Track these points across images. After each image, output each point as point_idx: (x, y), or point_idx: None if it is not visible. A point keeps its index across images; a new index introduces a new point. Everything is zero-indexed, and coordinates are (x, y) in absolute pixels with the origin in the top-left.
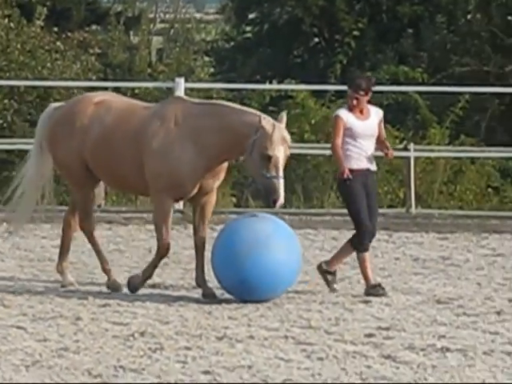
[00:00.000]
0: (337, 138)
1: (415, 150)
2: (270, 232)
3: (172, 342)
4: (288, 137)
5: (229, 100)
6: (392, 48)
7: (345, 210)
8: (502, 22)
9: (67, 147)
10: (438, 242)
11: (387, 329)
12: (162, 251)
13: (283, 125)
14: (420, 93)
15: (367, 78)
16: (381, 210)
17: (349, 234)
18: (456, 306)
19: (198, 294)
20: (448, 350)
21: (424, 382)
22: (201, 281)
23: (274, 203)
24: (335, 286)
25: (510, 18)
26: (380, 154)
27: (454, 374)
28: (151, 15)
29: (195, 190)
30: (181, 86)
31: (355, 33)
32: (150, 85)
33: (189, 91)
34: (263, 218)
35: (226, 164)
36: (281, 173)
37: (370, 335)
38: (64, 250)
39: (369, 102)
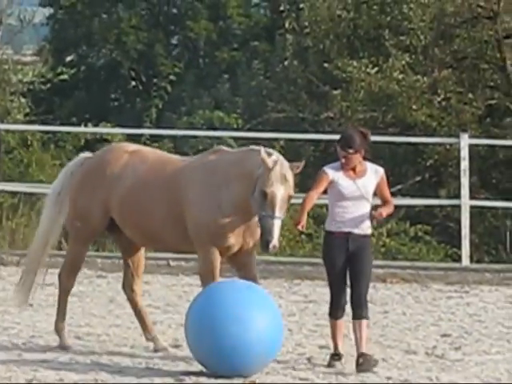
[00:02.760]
0: (313, 190)
1: None
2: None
3: None
4: (290, 176)
5: (43, 143)
6: (209, 93)
7: (156, 254)
8: (318, 70)
9: (92, 197)
10: None
11: (197, 374)
12: None
13: (286, 163)
14: (235, 138)
15: (359, 134)
16: None
17: (162, 277)
18: None
19: (8, 336)
20: None
21: None
22: None
23: (266, 245)
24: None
25: (326, 65)
26: None
27: None
28: None
29: (238, 245)
30: None
31: (172, 77)
32: None
33: (3, 133)
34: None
35: None
36: (277, 213)
37: (180, 380)
38: (138, 314)
39: (365, 158)
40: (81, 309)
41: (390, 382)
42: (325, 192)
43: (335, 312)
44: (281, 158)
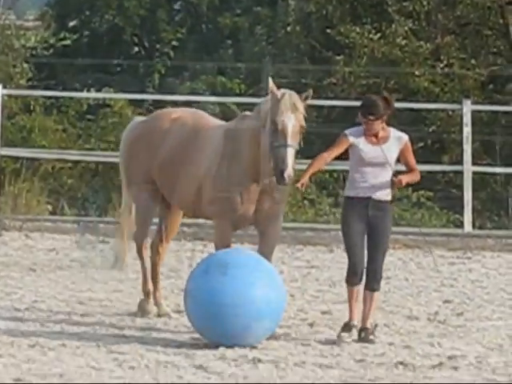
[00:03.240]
0: (327, 151)
1: None
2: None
3: None
4: (300, 105)
5: (46, 108)
6: (212, 59)
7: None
8: (320, 35)
9: (138, 163)
10: None
11: (199, 339)
12: None
13: (296, 94)
14: (238, 104)
15: (382, 100)
16: None
17: None
18: None
19: (10, 300)
20: (260, 360)
21: None
22: None
23: (281, 175)
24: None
25: (328, 31)
26: None
27: None
28: None
29: (251, 210)
30: None
31: (174, 43)
32: None
33: (6, 98)
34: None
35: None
36: (289, 141)
37: (181, 345)
38: (154, 278)
39: (388, 124)
40: (83, 274)
41: (392, 347)
42: (336, 158)
43: (351, 278)
44: (289, 91)
